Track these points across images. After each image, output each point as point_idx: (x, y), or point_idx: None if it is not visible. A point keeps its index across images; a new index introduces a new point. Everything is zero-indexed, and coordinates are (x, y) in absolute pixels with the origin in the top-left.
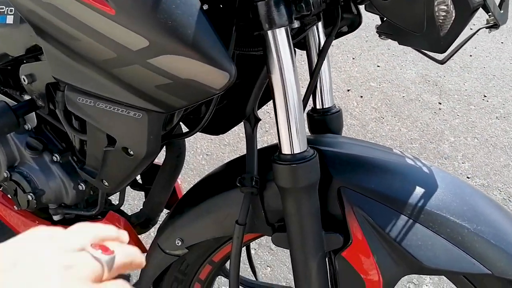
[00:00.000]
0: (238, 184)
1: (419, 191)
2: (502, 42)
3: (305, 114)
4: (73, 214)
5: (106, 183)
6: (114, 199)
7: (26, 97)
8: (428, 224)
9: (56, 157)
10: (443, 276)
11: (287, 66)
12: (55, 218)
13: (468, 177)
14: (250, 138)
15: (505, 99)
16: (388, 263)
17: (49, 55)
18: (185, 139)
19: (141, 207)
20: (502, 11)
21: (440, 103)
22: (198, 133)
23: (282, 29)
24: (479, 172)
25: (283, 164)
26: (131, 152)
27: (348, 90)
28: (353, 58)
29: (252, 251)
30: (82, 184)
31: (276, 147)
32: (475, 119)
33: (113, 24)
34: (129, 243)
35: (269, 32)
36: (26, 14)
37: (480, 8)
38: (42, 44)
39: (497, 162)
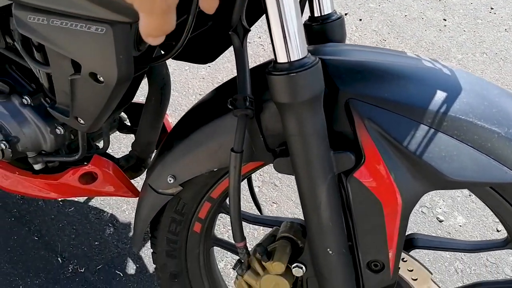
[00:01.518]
0: (230, 106)
1: (440, 95)
2: None
3: None
4: (56, 162)
5: (82, 121)
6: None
7: None
8: (453, 132)
9: (26, 99)
10: (457, 198)
11: None
12: (36, 167)
13: None
14: (240, 52)
15: None
16: (407, 181)
17: None
18: (170, 72)
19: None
20: None
21: (445, 20)
22: (188, 72)
23: None
24: None
25: (279, 74)
26: (101, 78)
27: (346, 14)
28: None
29: (256, 189)
30: (60, 128)
31: (271, 63)
32: (483, 33)
33: None
34: (120, 187)
35: None
36: None
37: None
38: None
39: (508, 77)
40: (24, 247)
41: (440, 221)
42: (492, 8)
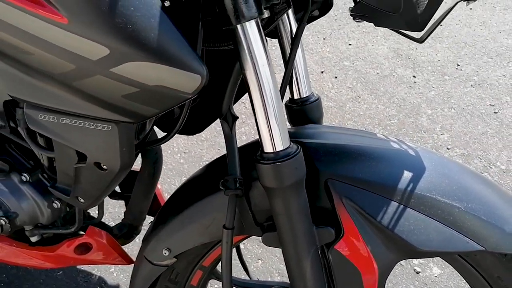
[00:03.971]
0: (222, 187)
1: (407, 175)
2: (470, 9)
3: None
4: (51, 233)
5: (82, 200)
6: (93, 211)
7: None
8: (419, 208)
9: (25, 176)
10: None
11: (261, 61)
12: (33, 239)
13: (448, 148)
14: (229, 137)
15: (478, 66)
16: (382, 251)
17: (2, 72)
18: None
19: (122, 217)
20: None
21: (414, 76)
22: None
23: (252, 22)
24: (459, 142)
25: (267, 163)
26: (104, 166)
27: (322, 72)
28: (324, 39)
29: (241, 245)
30: (57, 202)
31: (257, 144)
32: (450, 89)
33: (68, 33)
34: (113, 256)
35: (239, 26)
36: None
37: None
38: None
39: (475, 130)
40: None
41: (417, 273)
42: (458, 65)
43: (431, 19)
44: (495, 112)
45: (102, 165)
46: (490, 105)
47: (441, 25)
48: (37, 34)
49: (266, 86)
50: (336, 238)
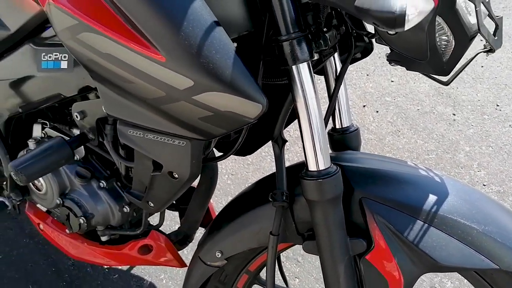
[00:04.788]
0: (270, 199)
1: (432, 198)
2: None
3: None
4: (118, 234)
5: (152, 204)
6: (152, 220)
7: (75, 131)
8: (442, 227)
9: (102, 183)
10: (463, 280)
11: (310, 95)
12: (103, 239)
13: (484, 185)
14: (279, 157)
15: None
16: (407, 264)
17: (104, 95)
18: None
19: (179, 226)
20: (496, 38)
21: (454, 114)
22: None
23: (305, 64)
24: (495, 179)
25: (311, 179)
26: (176, 175)
27: (364, 106)
28: (367, 75)
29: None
30: (127, 207)
31: (301, 165)
32: (489, 128)
33: (164, 69)
34: (170, 258)
35: (294, 67)
36: (86, 62)
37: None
38: (98, 86)
39: (511, 169)
40: None
41: None
42: (497, 105)
43: (456, 66)
44: None
45: (174, 174)
46: None
47: (482, 67)
48: (140, 68)
49: (313, 116)
50: (367, 249)
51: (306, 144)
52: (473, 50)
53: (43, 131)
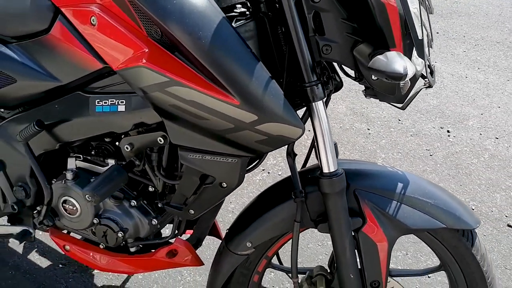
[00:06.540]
0: (293, 196)
1: (400, 185)
2: None
3: None
4: (141, 245)
5: (192, 212)
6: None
7: (109, 161)
8: (408, 203)
9: (133, 202)
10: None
11: (324, 122)
12: (132, 250)
13: None
14: (292, 166)
15: (414, 121)
16: (389, 230)
17: (172, 129)
18: None
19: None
20: (433, 78)
21: (368, 129)
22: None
23: (321, 101)
24: None
25: (326, 178)
26: (224, 185)
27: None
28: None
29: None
30: (155, 220)
31: (310, 171)
32: (396, 138)
33: (237, 109)
34: (192, 259)
35: (313, 104)
36: (167, 107)
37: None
38: (167, 123)
39: (416, 170)
40: None
41: None
42: (399, 120)
43: (408, 97)
44: (430, 155)
45: (223, 184)
46: (426, 149)
47: None
48: (218, 109)
49: (326, 135)
50: (362, 224)
51: (322, 154)
52: (418, 85)
53: (75, 163)
